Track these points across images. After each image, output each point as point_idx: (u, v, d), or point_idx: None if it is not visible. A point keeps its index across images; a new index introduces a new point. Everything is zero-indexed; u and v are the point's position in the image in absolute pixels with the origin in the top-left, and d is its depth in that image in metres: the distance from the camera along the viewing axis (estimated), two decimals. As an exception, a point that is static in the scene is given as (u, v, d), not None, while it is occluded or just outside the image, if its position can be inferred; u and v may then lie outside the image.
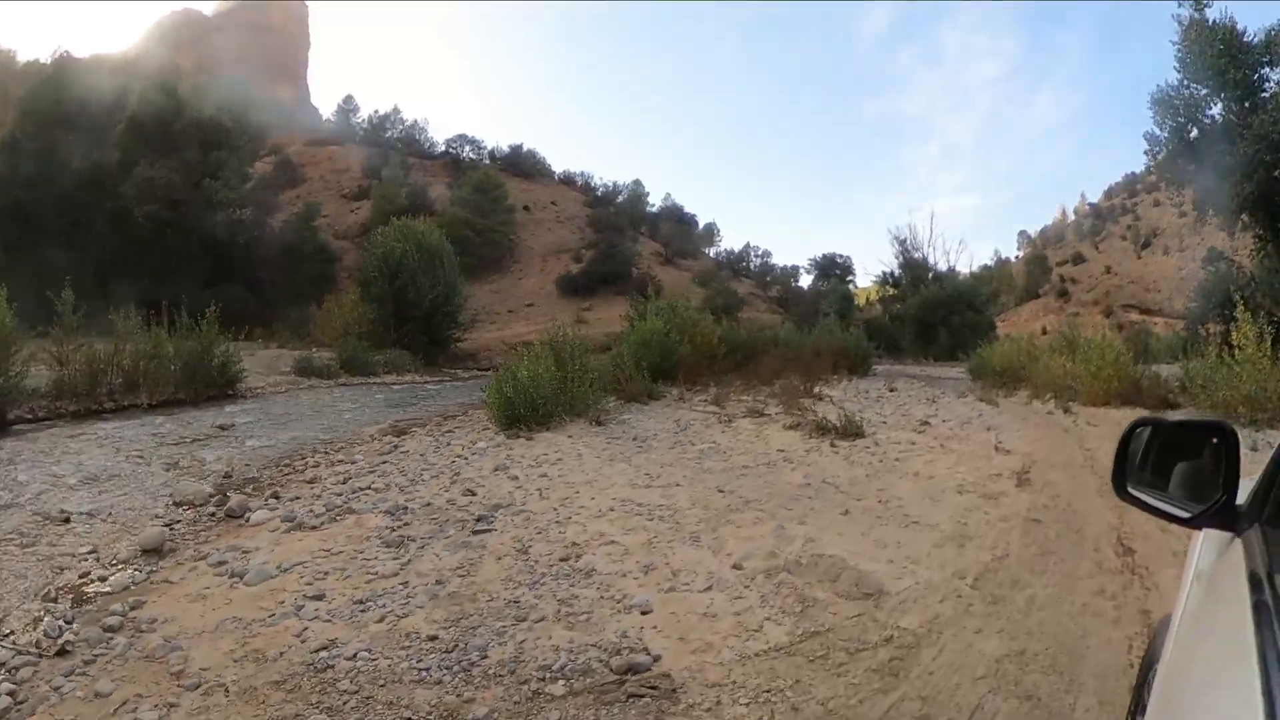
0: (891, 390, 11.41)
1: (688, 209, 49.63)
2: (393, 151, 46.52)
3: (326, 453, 6.02)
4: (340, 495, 4.50)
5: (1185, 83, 11.76)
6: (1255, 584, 0.83)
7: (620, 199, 46.01)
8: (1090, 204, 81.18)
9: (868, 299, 42.43)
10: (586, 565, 3.34)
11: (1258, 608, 0.76)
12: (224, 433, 6.86)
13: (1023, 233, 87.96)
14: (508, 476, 5.02)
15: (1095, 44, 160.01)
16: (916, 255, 31.16)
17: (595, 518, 4.10)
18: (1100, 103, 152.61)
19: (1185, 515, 1.17)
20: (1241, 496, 1.13)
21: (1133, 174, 74.91)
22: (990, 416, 8.39)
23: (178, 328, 8.83)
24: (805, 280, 49.96)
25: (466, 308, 19.80)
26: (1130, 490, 1.27)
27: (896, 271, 32.09)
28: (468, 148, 49.95)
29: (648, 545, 3.64)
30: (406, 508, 4.19)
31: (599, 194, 46.06)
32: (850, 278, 48.44)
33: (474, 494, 4.55)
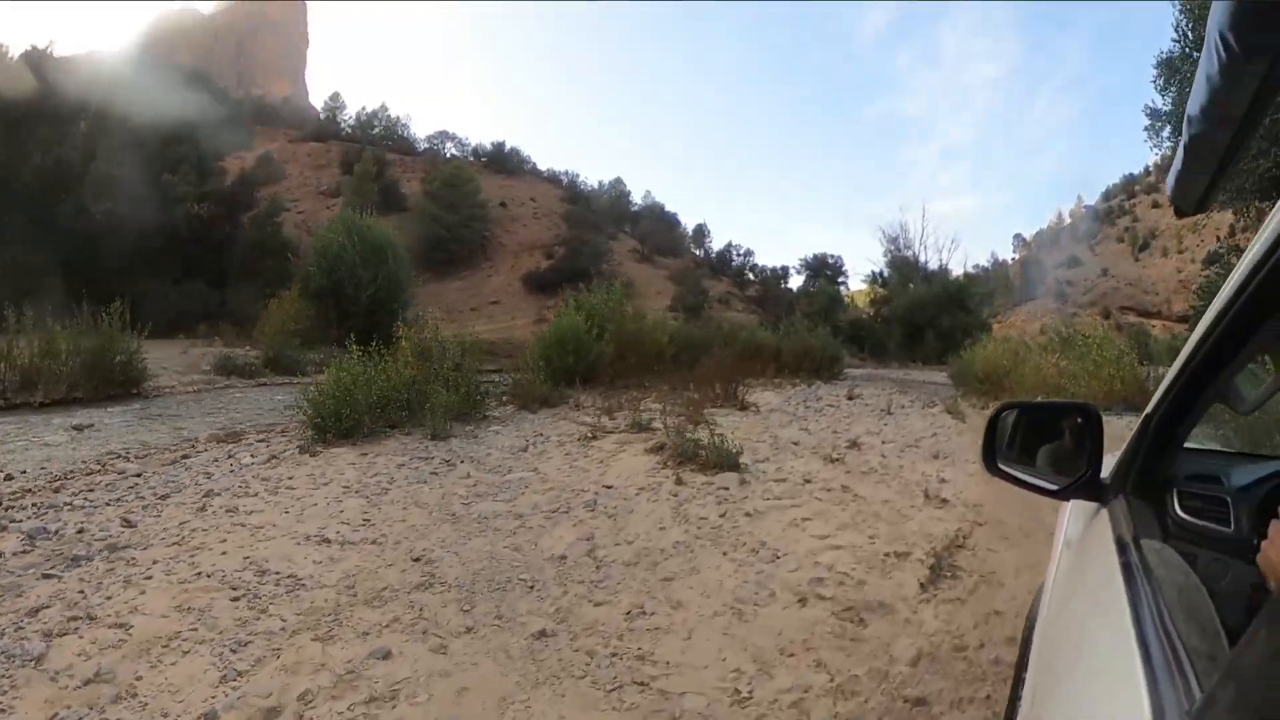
0: (850, 398, 10.13)
1: (671, 208, 48.63)
2: (374, 148, 45.41)
3: (131, 459, 5.04)
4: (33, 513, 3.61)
5: (1188, 52, 10.59)
6: (1122, 547, 0.94)
7: (604, 196, 44.81)
8: (1087, 206, 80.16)
9: (861, 300, 41.33)
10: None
11: (1126, 568, 0.86)
12: (79, 434, 5.98)
13: (1018, 236, 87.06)
14: (196, 508, 3.86)
15: (1095, 46, 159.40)
16: (907, 254, 30.05)
17: (162, 590, 2.77)
18: (1100, 105, 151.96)
19: (1054, 488, 1.26)
20: (1105, 472, 1.23)
21: (1131, 175, 74.03)
22: (948, 437, 6.71)
23: (106, 325, 8.40)
24: (796, 281, 49.14)
25: (421, 303, 18.62)
26: (1001, 466, 1.33)
27: (885, 271, 30.92)
28: (450, 144, 48.87)
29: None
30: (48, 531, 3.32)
31: (579, 191, 44.78)
32: (841, 279, 47.42)
33: (132, 525, 3.47)
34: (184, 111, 27.46)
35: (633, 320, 10.39)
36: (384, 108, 52.94)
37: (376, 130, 51.21)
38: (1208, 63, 0.66)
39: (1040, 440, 1.42)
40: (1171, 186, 0.90)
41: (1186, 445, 1.25)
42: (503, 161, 46.85)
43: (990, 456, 1.35)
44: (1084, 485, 1.18)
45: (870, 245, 48.48)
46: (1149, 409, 1.13)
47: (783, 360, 12.86)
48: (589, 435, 6.04)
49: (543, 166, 48.63)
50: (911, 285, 27.30)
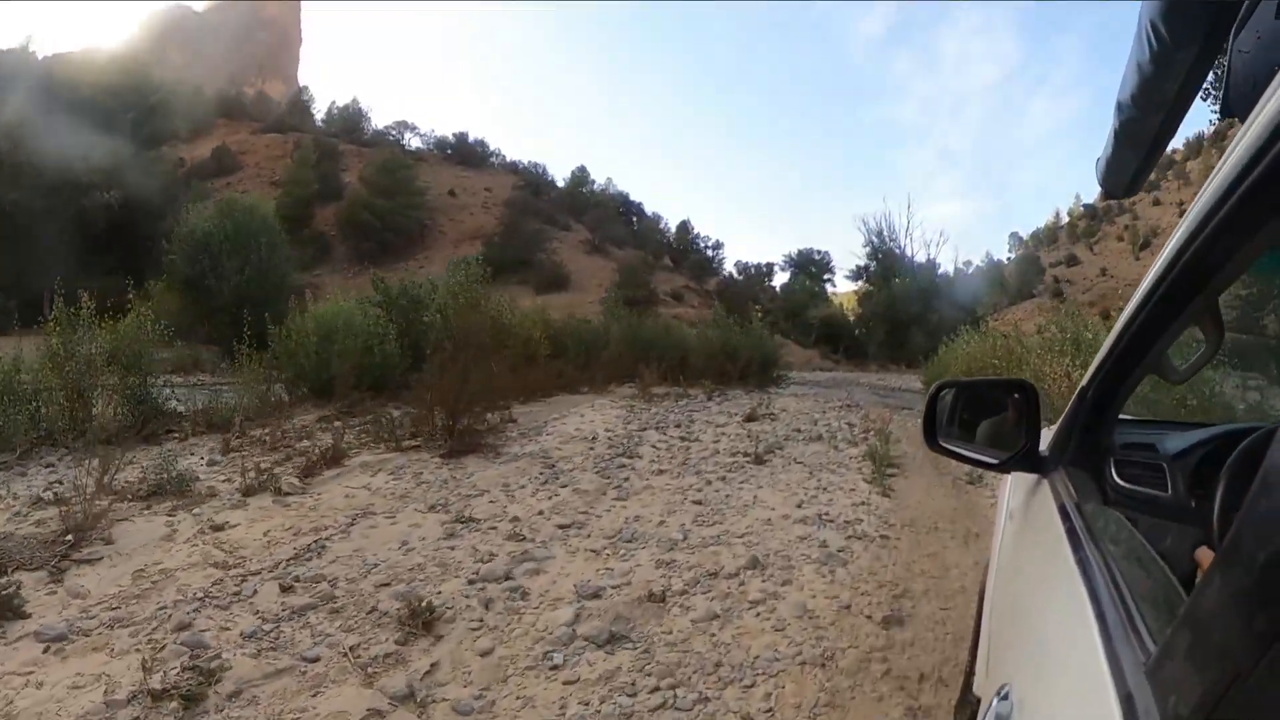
0: (751, 420, 7.52)
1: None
2: (334, 139, 43.05)
3: None
4: None
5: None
6: (1065, 515, 0.97)
7: (561, 186, 42.27)
8: (1085, 205, 77.83)
9: (850, 302, 38.67)
10: None
11: (1071, 533, 0.88)
12: None
13: (1014, 234, 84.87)
14: None
15: (1093, 48, 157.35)
16: (893, 246, 27.41)
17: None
18: (1097, 106, 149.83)
19: (994, 461, 1.28)
20: (1043, 446, 1.25)
21: (1131, 172, 71.60)
22: (849, 537, 3.68)
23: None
24: (781, 278, 46.62)
25: (335, 296, 16.08)
26: (941, 443, 1.34)
27: (869, 265, 28.32)
28: (409, 134, 46.77)
29: None
30: None
31: (536, 179, 42.15)
32: (828, 275, 44.86)
33: None
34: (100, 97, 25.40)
35: (482, 310, 7.76)
36: (355, 102, 51.46)
37: (335, 121, 49.12)
38: (1139, 51, 0.72)
39: (979, 416, 1.45)
40: (1100, 172, 0.99)
41: (1121, 417, 1.28)
42: (464, 152, 44.53)
43: (931, 434, 1.36)
44: (1024, 458, 1.23)
45: (859, 242, 45.69)
46: (1084, 382, 1.16)
47: (691, 363, 10.34)
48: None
49: (529, 163, 46.00)
50: (894, 279, 24.60)
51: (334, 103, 55.63)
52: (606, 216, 34.00)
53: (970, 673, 1.41)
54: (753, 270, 47.21)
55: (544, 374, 7.97)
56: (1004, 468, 1.28)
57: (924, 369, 12.56)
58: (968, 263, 32.69)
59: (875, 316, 24.55)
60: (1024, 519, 1.25)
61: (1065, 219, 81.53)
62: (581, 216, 36.64)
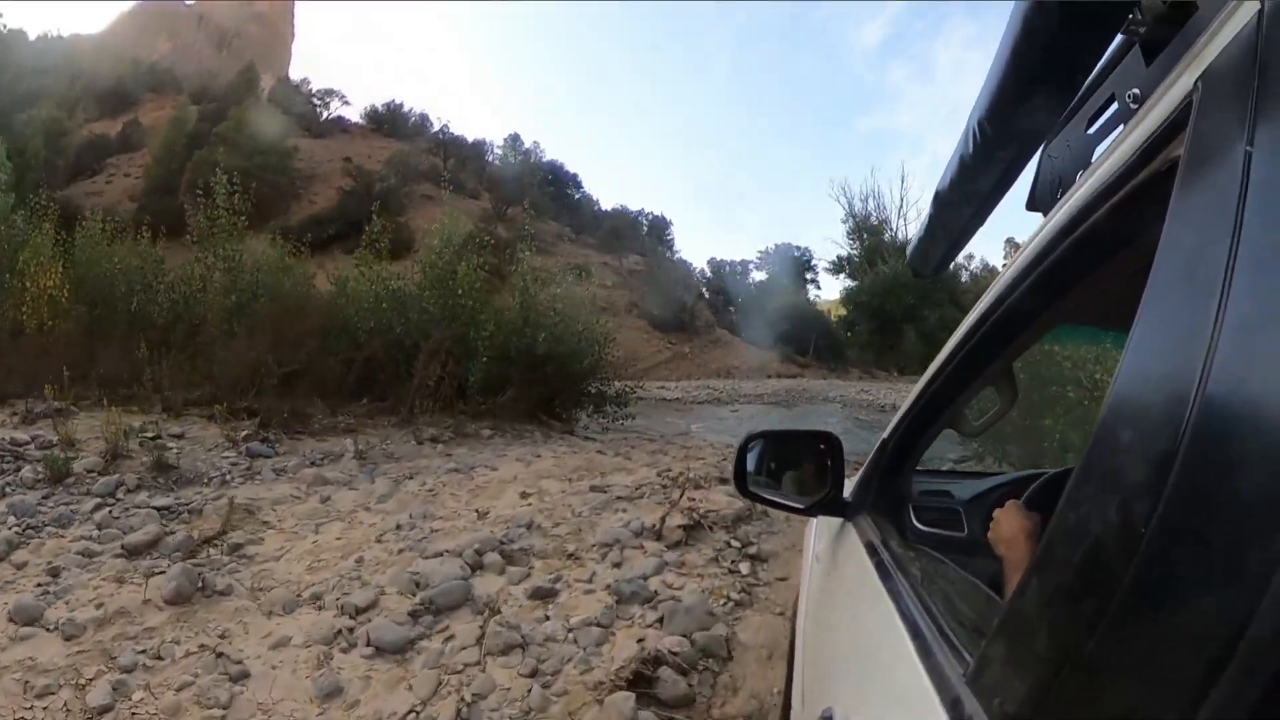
0: None
1: (568, 168, 40.53)
2: (236, 108, 38.66)
3: None
4: None
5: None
6: (873, 551, 1.05)
7: (493, 157, 37.29)
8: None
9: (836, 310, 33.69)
10: None
11: (879, 566, 0.96)
12: None
13: (1009, 240, 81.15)
14: None
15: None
16: (883, 226, 22.55)
17: None
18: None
19: (801, 506, 1.37)
20: (846, 493, 1.32)
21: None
22: None
23: None
24: (757, 277, 41.93)
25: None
26: (751, 489, 1.40)
27: (850, 255, 23.47)
28: (336, 102, 42.82)
29: None
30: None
31: (456, 148, 37.14)
32: (810, 275, 40.08)
33: None
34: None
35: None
36: (306, 80, 48.24)
37: (273, 96, 45.13)
38: (963, 145, 0.75)
39: (785, 466, 1.51)
40: (911, 253, 1.07)
41: (918, 468, 1.40)
42: (394, 122, 40.14)
43: (741, 480, 1.41)
44: (829, 503, 1.29)
45: (839, 220, 39.77)
46: (885, 434, 1.21)
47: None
48: None
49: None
50: (882, 263, 19.48)
51: (278, 79, 52.85)
52: (521, 187, 28.53)
53: (786, 709, 1.50)
54: (725, 268, 42.53)
55: None
56: (810, 512, 1.41)
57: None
58: (970, 257, 28.27)
59: (859, 309, 19.41)
60: (831, 560, 1.34)
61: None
62: (497, 189, 31.48)
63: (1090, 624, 0.36)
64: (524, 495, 4.13)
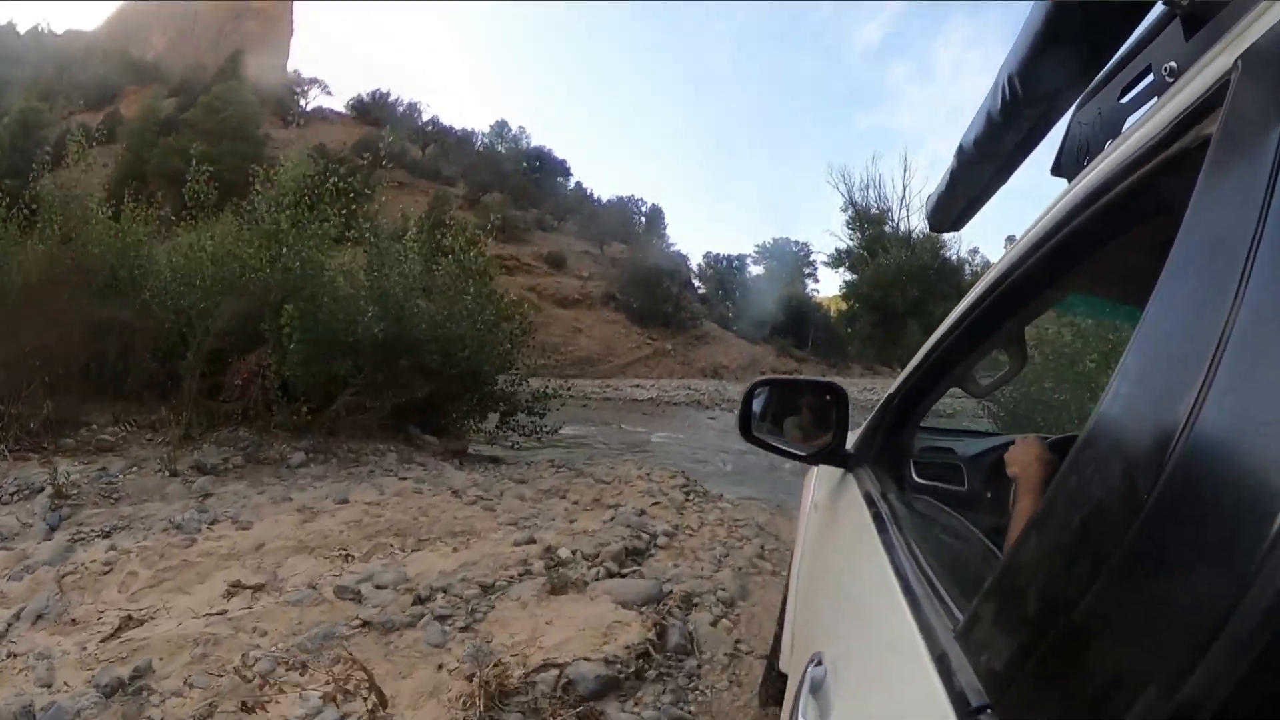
0: None
1: (557, 154, 38.88)
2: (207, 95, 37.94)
3: None
4: None
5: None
6: (871, 503, 1.07)
7: (478, 143, 35.86)
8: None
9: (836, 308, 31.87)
10: None
11: (877, 518, 0.98)
12: None
13: (1010, 237, 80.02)
14: None
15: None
16: (885, 215, 20.81)
17: None
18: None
19: (803, 454, 1.40)
20: (849, 444, 1.35)
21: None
22: None
23: None
24: (754, 270, 40.30)
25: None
26: (754, 434, 1.43)
27: (850, 247, 21.71)
28: (316, 90, 41.90)
29: None
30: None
31: (440, 137, 35.86)
32: (809, 269, 38.36)
33: None
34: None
35: None
36: (297, 73, 47.49)
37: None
38: (991, 101, 0.73)
39: (790, 414, 1.53)
40: (930, 207, 1.06)
41: (923, 425, 1.42)
42: (379, 112, 38.99)
43: (745, 426, 1.41)
44: (831, 452, 1.32)
45: (838, 206, 37.64)
46: (892, 390, 1.24)
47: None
48: None
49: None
50: (883, 252, 17.71)
51: (261, 70, 52.06)
52: (534, 180, 27.01)
53: (775, 653, 1.55)
54: (722, 262, 40.96)
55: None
56: (813, 460, 1.42)
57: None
58: (974, 250, 26.43)
59: (860, 301, 17.69)
60: (830, 509, 1.37)
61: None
62: (472, 174, 30.05)
63: (1083, 588, 0.36)
64: (233, 589, 2.49)
